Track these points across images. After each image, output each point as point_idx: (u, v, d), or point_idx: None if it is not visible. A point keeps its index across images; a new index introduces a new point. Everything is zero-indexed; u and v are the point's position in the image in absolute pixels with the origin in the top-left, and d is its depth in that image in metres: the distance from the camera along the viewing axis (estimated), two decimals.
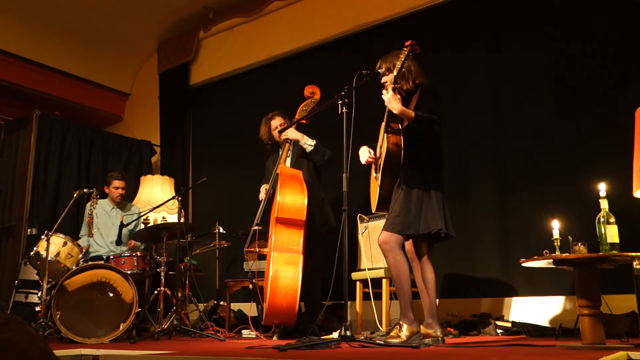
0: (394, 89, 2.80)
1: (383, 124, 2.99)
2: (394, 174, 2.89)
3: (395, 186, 2.91)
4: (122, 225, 4.45)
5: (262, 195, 3.96)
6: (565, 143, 4.08)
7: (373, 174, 3.11)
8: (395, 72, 2.80)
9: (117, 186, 4.76)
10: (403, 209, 2.81)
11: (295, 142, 3.93)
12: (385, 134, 2.85)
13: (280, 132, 3.93)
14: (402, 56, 2.78)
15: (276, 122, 4.04)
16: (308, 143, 3.88)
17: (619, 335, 2.74)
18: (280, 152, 3.99)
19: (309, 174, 3.87)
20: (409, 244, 2.93)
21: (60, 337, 3.52)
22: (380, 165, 2.90)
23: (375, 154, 3.07)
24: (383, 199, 2.91)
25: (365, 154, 3.08)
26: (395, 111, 2.77)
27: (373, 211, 3.10)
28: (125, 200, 4.95)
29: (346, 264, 2.63)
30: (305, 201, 3.56)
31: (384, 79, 2.97)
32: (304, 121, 3.90)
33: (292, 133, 3.90)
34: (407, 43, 2.77)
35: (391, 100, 2.77)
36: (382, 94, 2.83)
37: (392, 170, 2.87)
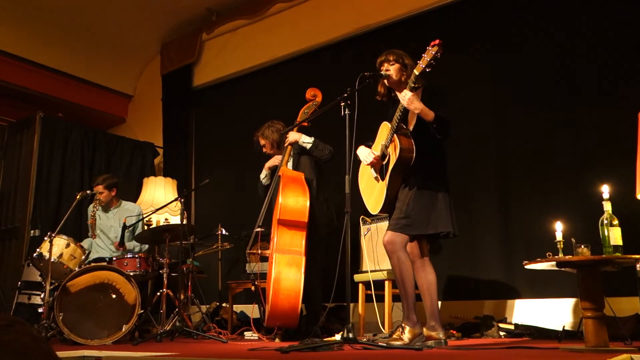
0: (413, 89, 2.75)
1: (386, 123, 2.96)
2: (403, 176, 2.86)
3: (400, 187, 2.90)
4: (124, 227, 4.45)
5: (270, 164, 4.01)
6: (568, 145, 4.07)
7: (371, 174, 3.04)
8: (417, 72, 2.70)
9: (96, 191, 4.62)
10: (412, 209, 2.79)
11: (295, 143, 3.93)
12: (395, 135, 2.81)
13: (283, 134, 3.94)
14: (426, 56, 2.65)
15: (260, 143, 4.09)
16: (306, 141, 3.89)
17: (622, 338, 2.73)
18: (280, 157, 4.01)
19: (310, 172, 3.88)
20: (410, 245, 2.91)
21: (62, 339, 3.52)
22: (388, 166, 2.86)
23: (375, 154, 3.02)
24: (389, 201, 2.89)
25: (369, 154, 2.98)
26: (417, 111, 2.73)
27: (372, 212, 3.06)
28: (121, 200, 4.90)
29: (348, 265, 2.62)
30: (307, 203, 3.57)
31: (386, 66, 2.94)
32: (306, 124, 3.91)
33: (291, 136, 3.91)
34: (435, 42, 2.63)
35: (413, 100, 2.71)
36: (390, 92, 2.78)
37: (402, 172, 2.84)
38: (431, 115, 2.74)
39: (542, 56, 4.29)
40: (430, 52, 2.64)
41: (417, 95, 2.85)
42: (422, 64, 2.67)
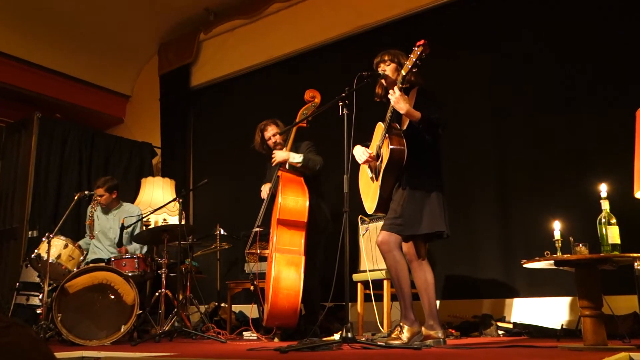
0: (400, 89, 2.76)
1: (381, 124, 2.98)
2: (396, 176, 2.87)
3: (394, 187, 2.91)
4: (123, 227, 4.44)
5: (264, 194, 3.95)
6: (566, 144, 4.07)
7: (368, 174, 3.06)
8: (404, 72, 2.73)
9: (97, 193, 4.63)
10: (405, 209, 2.80)
11: (293, 145, 3.91)
12: (387, 135, 2.83)
13: (281, 134, 3.92)
14: (412, 56, 2.67)
15: (270, 131, 3.99)
16: (295, 161, 3.78)
17: (620, 336, 2.73)
18: None
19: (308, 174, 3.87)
20: (406, 246, 2.91)
21: (61, 340, 3.52)
22: (381, 166, 2.87)
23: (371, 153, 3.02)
24: (384, 201, 2.90)
25: (364, 154, 2.99)
26: (402, 111, 2.73)
27: (368, 212, 3.07)
28: (122, 201, 4.89)
29: (347, 265, 2.63)
30: (307, 203, 3.57)
31: (382, 67, 2.94)
32: (304, 124, 3.89)
33: (279, 156, 3.80)
34: (420, 42, 2.64)
35: (399, 101, 2.72)
36: (387, 93, 2.79)
37: (394, 172, 2.85)
38: (417, 115, 2.74)
39: (541, 55, 4.29)
40: (416, 52, 2.66)
41: (412, 96, 2.86)
42: (408, 64, 2.70)
